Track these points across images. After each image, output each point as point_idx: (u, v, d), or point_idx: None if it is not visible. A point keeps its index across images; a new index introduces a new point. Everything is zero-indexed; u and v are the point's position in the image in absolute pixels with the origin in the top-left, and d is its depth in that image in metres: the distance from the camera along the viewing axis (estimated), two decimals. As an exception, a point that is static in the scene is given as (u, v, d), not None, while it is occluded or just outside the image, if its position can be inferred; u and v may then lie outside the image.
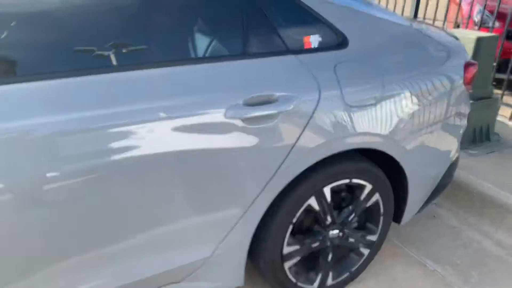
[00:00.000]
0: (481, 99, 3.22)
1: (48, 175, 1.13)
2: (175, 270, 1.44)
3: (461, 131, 2.10)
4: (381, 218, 1.88)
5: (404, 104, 1.68)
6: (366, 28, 1.69)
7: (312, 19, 1.56)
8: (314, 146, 1.50)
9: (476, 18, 5.27)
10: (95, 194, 1.21)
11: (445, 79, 1.84)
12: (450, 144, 2.02)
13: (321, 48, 1.57)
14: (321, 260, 1.79)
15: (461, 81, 1.92)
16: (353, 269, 1.91)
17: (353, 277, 1.94)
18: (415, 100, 1.71)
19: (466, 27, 3.96)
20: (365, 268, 1.98)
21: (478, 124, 3.25)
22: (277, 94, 1.41)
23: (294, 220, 1.62)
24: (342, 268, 1.90)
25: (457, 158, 2.22)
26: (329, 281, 1.84)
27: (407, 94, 1.68)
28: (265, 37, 1.46)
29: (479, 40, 3.05)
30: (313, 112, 1.48)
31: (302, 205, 1.61)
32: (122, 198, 1.25)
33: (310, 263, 1.81)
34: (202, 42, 1.39)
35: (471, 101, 3.11)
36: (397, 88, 1.66)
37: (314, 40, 1.57)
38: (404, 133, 1.71)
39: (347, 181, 1.68)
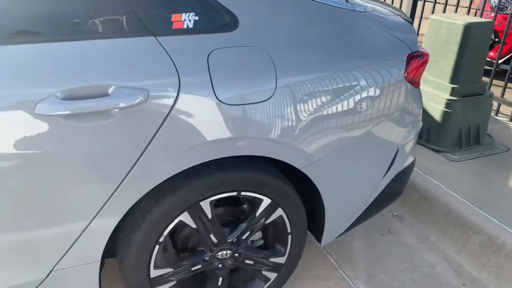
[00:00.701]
0: (470, 96, 2.79)
1: None
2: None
3: (413, 133, 1.75)
4: (289, 237, 1.58)
5: (308, 105, 1.36)
6: (269, 8, 1.36)
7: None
8: (171, 154, 1.21)
9: (494, 2, 4.73)
10: None
11: (377, 74, 1.50)
12: (389, 151, 1.68)
13: (197, 29, 1.26)
14: (208, 285, 1.51)
15: (401, 76, 1.56)
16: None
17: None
18: (326, 99, 1.38)
19: (482, 14, 3.47)
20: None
21: (466, 125, 2.83)
22: (114, 84, 1.12)
23: (161, 240, 1.34)
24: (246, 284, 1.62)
25: (411, 164, 1.87)
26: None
27: (314, 92, 1.36)
28: (113, 12, 1.17)
29: (467, 28, 2.61)
30: (170, 111, 1.18)
31: (170, 222, 1.33)
32: None
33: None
34: (14, 16, 1.11)
35: (456, 98, 2.73)
36: (301, 84, 1.33)
37: (187, 19, 1.26)
38: (308, 139, 1.39)
39: (233, 194, 1.39)
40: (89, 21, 1.14)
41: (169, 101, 1.17)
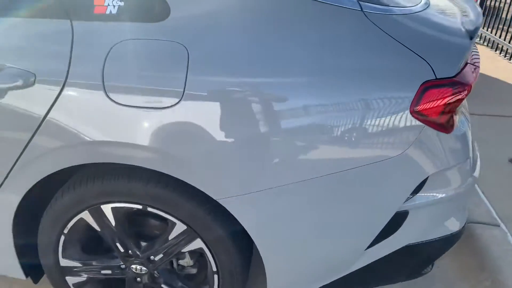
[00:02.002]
0: None
1: None
2: None
3: (443, 194, 1.24)
4: (215, 277, 1.31)
5: (228, 121, 1.07)
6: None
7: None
8: (55, 147, 1.13)
9: None
10: None
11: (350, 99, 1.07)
12: (378, 211, 1.21)
13: (118, 16, 1.11)
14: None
15: (406, 110, 1.08)
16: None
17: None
18: (259, 119, 1.06)
19: None
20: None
21: None
22: (8, 64, 1.10)
23: (66, 231, 1.29)
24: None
25: (443, 239, 1.33)
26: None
27: (236, 108, 1.06)
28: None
29: None
30: (54, 101, 1.09)
31: (72, 217, 1.26)
32: None
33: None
34: None
35: None
36: (215, 94, 1.06)
37: (111, 5, 1.13)
38: (230, 165, 1.10)
39: (138, 206, 1.22)
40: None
41: (55, 90, 1.09)
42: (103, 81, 1.07)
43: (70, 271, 1.37)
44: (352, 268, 1.31)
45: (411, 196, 1.23)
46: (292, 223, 1.19)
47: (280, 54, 1.08)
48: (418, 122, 1.10)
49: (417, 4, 1.25)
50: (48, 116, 1.10)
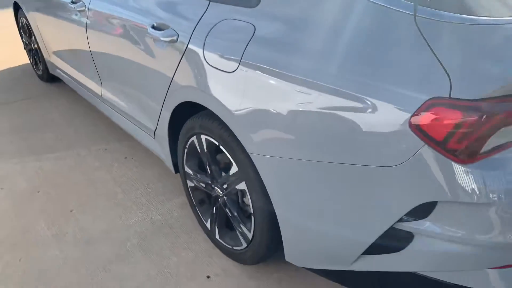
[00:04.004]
0: None
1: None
2: (143, 125, 2.22)
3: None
4: (252, 219, 1.60)
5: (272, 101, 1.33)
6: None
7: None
8: (182, 85, 1.68)
9: None
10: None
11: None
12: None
13: (234, 1, 1.53)
14: (210, 205, 1.89)
15: (406, 124, 1.06)
16: (235, 247, 1.80)
17: (234, 257, 1.84)
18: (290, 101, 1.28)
19: None
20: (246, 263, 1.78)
21: None
22: (171, 25, 1.71)
23: (187, 147, 1.87)
24: (225, 233, 1.85)
25: None
26: (216, 235, 1.89)
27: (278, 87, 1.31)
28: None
29: None
30: (182, 55, 1.64)
31: (189, 139, 1.82)
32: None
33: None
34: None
35: None
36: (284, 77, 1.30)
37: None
38: (265, 128, 1.37)
39: (216, 143, 1.64)
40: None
41: (183, 48, 1.63)
42: (204, 46, 1.53)
43: (189, 176, 1.96)
44: (354, 267, 1.34)
45: (414, 219, 1.15)
46: (302, 197, 1.36)
47: (318, 44, 1.24)
48: (416, 138, 1.04)
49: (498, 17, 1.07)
50: (180, 63, 1.67)
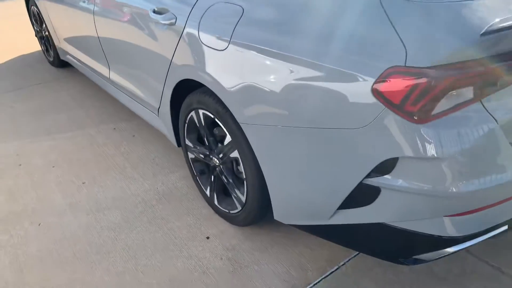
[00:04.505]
0: None
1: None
2: (148, 104, 2.41)
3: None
4: (245, 184, 1.78)
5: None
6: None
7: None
8: (180, 64, 1.85)
9: None
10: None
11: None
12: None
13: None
14: (209, 174, 2.07)
15: (369, 88, 1.22)
16: (231, 211, 1.98)
17: (230, 220, 2.03)
18: (269, 74, 1.46)
19: None
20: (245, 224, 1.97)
21: None
22: (170, 9, 1.87)
23: (187, 121, 2.05)
24: (223, 199, 2.03)
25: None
26: (215, 201, 2.08)
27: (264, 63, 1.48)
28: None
29: None
30: (180, 36, 1.80)
31: (188, 114, 2.00)
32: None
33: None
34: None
35: None
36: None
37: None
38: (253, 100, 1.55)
39: (211, 116, 1.82)
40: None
41: (181, 30, 1.80)
42: (198, 27, 1.70)
43: (189, 148, 2.15)
44: (332, 221, 1.51)
45: (379, 175, 1.31)
46: (284, 160, 1.53)
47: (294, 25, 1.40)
48: (378, 102, 1.21)
49: None
50: (178, 44, 1.84)
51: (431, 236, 1.34)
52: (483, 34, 1.12)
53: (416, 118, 1.18)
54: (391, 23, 1.21)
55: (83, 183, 2.45)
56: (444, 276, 1.73)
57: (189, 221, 2.11)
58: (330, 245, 1.89)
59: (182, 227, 2.07)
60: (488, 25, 1.13)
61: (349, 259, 1.82)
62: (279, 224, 1.97)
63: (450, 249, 1.36)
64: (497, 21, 1.14)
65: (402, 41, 1.18)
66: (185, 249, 1.94)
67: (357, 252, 1.84)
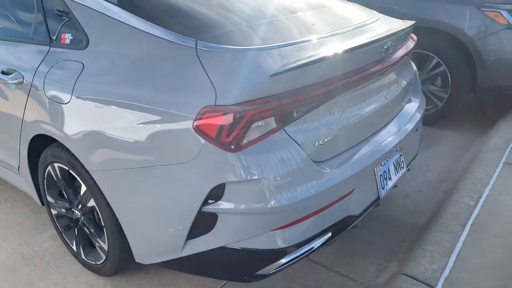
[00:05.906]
0: None
1: None
2: (8, 165, 2.34)
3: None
4: (105, 231, 1.82)
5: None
6: (110, 35, 1.66)
7: (70, 21, 1.80)
8: (31, 120, 1.89)
9: None
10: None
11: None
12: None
13: (69, 45, 1.80)
14: (73, 228, 2.06)
15: (190, 126, 1.39)
16: (97, 262, 1.98)
17: (98, 271, 2.03)
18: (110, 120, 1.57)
19: None
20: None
21: None
22: (17, 70, 1.92)
23: (45, 176, 2.04)
24: (89, 252, 2.03)
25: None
26: (82, 255, 2.05)
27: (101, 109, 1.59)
28: (37, 28, 1.93)
29: None
30: (28, 94, 1.85)
31: (45, 169, 2.01)
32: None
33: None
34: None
35: None
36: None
37: (67, 38, 1.82)
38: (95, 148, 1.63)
39: (66, 167, 1.86)
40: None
41: (27, 89, 1.85)
42: (43, 84, 1.77)
43: (52, 204, 2.12)
44: (184, 252, 1.61)
45: (213, 201, 1.46)
46: (131, 200, 1.62)
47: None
48: (200, 138, 1.38)
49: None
50: (27, 101, 1.88)
51: (265, 250, 1.50)
52: (272, 76, 1.37)
53: (232, 147, 1.37)
54: (205, 70, 1.42)
55: None
56: (300, 290, 1.90)
57: (55, 280, 2.04)
58: (202, 278, 1.97)
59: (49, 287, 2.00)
60: (277, 68, 1.39)
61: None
62: (148, 266, 2.01)
63: (284, 260, 1.53)
64: (282, 65, 1.41)
65: (212, 84, 1.39)
66: (49, 309, 1.87)
67: (225, 281, 1.95)
